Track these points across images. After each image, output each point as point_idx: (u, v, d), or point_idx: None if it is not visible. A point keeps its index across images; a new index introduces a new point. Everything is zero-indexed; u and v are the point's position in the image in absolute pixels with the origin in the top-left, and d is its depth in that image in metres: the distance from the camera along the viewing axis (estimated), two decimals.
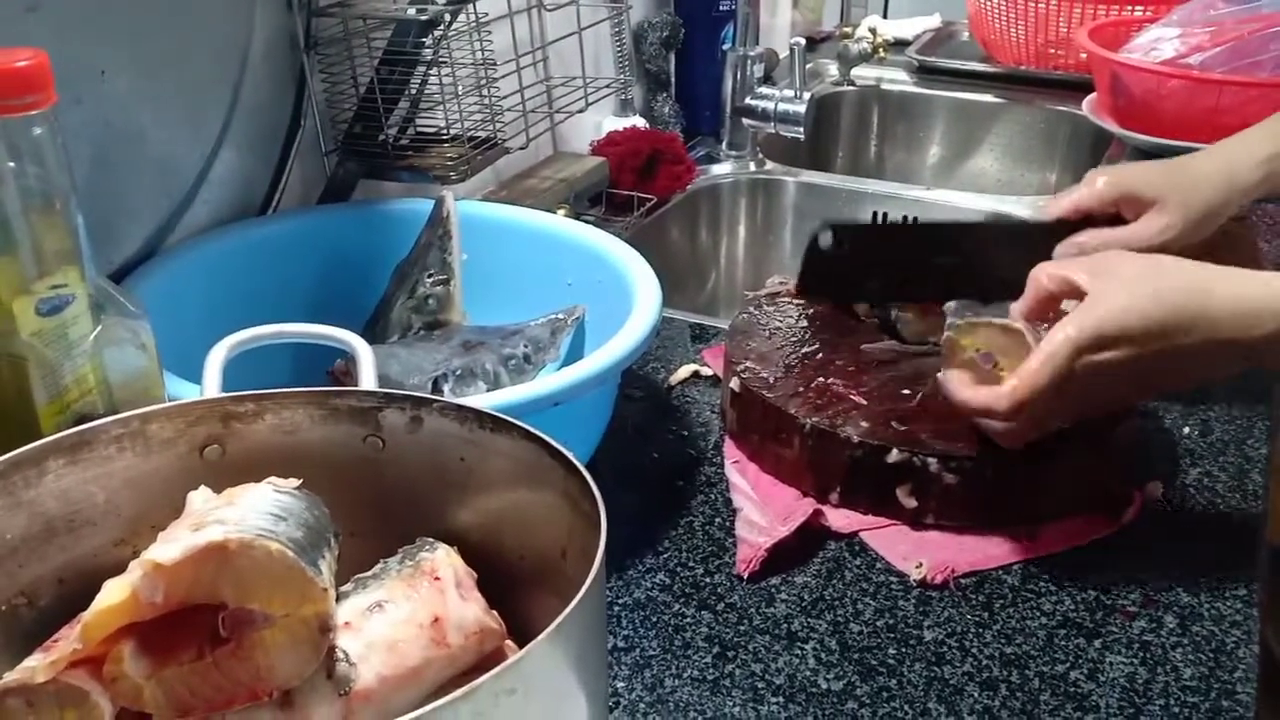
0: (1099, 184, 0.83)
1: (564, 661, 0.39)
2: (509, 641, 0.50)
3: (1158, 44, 1.42)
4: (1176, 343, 0.65)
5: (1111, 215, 0.82)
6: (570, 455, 0.48)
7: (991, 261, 0.84)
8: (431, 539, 0.51)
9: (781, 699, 0.62)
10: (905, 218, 0.92)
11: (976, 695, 0.62)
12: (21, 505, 0.48)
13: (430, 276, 0.84)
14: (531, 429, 0.50)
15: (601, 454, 0.79)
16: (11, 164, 0.52)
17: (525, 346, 0.81)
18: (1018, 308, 0.74)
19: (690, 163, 1.38)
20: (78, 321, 0.56)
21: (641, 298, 0.77)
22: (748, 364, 0.84)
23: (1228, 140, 0.85)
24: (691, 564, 0.73)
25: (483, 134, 0.97)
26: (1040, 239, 0.82)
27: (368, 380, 0.58)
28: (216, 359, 0.57)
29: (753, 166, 1.47)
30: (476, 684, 0.35)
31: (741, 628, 0.67)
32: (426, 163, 0.95)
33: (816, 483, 0.78)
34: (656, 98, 1.50)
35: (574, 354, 0.84)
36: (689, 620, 0.68)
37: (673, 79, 1.52)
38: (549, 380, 0.68)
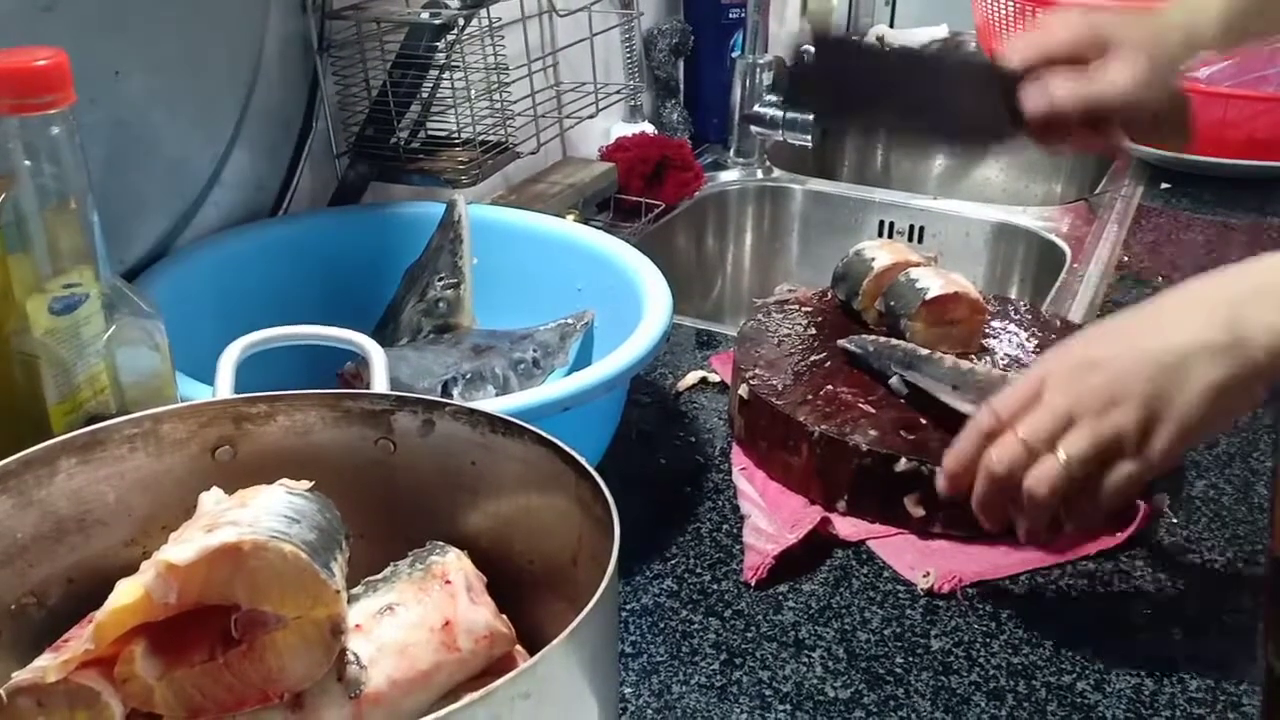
0: (1065, 27, 0.76)
1: (577, 667, 0.39)
2: (518, 647, 0.50)
3: None
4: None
5: (1073, 59, 0.76)
6: (582, 460, 0.48)
7: (955, 97, 0.81)
8: (442, 542, 0.51)
9: (789, 706, 0.62)
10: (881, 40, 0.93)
11: (983, 705, 0.62)
12: (32, 504, 0.48)
13: (440, 280, 0.84)
14: (544, 433, 0.50)
15: (609, 459, 0.79)
16: (28, 163, 0.52)
17: (534, 351, 0.81)
18: None
19: (698, 169, 1.38)
20: (90, 321, 0.56)
21: (652, 304, 0.77)
22: (756, 371, 0.84)
23: None
24: (699, 570, 0.73)
25: (494, 138, 0.97)
26: (1008, 82, 0.77)
27: (380, 383, 0.58)
28: (229, 360, 0.58)
29: (760, 174, 1.47)
30: (492, 688, 0.35)
31: (749, 635, 0.67)
32: (437, 166, 0.95)
33: (824, 491, 0.78)
34: (665, 104, 1.50)
35: (583, 359, 0.84)
36: (696, 627, 0.68)
37: (682, 86, 1.52)
38: (560, 384, 0.68)
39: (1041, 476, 0.59)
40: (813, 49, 0.84)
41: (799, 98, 0.84)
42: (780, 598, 0.70)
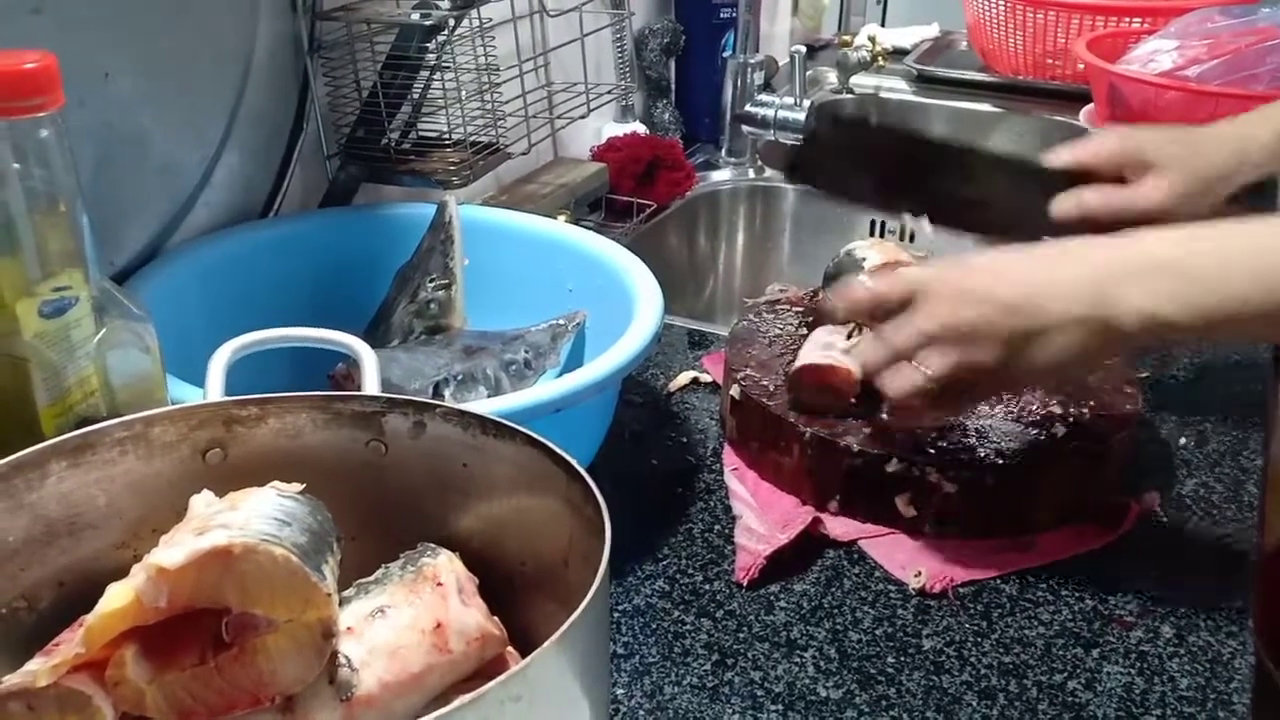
0: (1106, 141, 0.81)
1: (569, 668, 0.39)
2: (510, 648, 0.50)
3: (1155, 56, 1.43)
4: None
5: (1117, 175, 0.79)
6: (573, 461, 0.48)
7: (988, 191, 0.82)
8: (433, 544, 0.51)
9: (781, 707, 0.62)
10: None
11: (975, 704, 0.62)
12: (23, 508, 0.48)
13: (432, 281, 0.84)
14: (535, 435, 0.50)
15: (601, 460, 0.79)
16: (17, 165, 0.52)
17: (526, 352, 0.81)
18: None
19: (690, 169, 1.38)
20: (81, 324, 0.56)
21: (643, 304, 0.77)
22: (748, 371, 0.85)
23: (1249, 113, 0.83)
24: (691, 571, 0.73)
25: (485, 139, 0.97)
26: (1044, 183, 0.80)
27: (371, 385, 0.58)
28: (220, 362, 0.57)
29: (752, 174, 1.48)
30: (483, 690, 0.35)
31: (741, 635, 0.67)
32: (428, 167, 0.95)
33: (816, 491, 0.78)
34: (657, 104, 1.50)
35: (574, 360, 0.84)
36: (688, 627, 0.68)
37: (673, 86, 1.52)
38: (552, 386, 0.68)
39: (900, 381, 0.67)
40: (827, 122, 0.81)
41: (801, 172, 0.80)
42: (772, 598, 0.70)
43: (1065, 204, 0.78)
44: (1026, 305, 0.63)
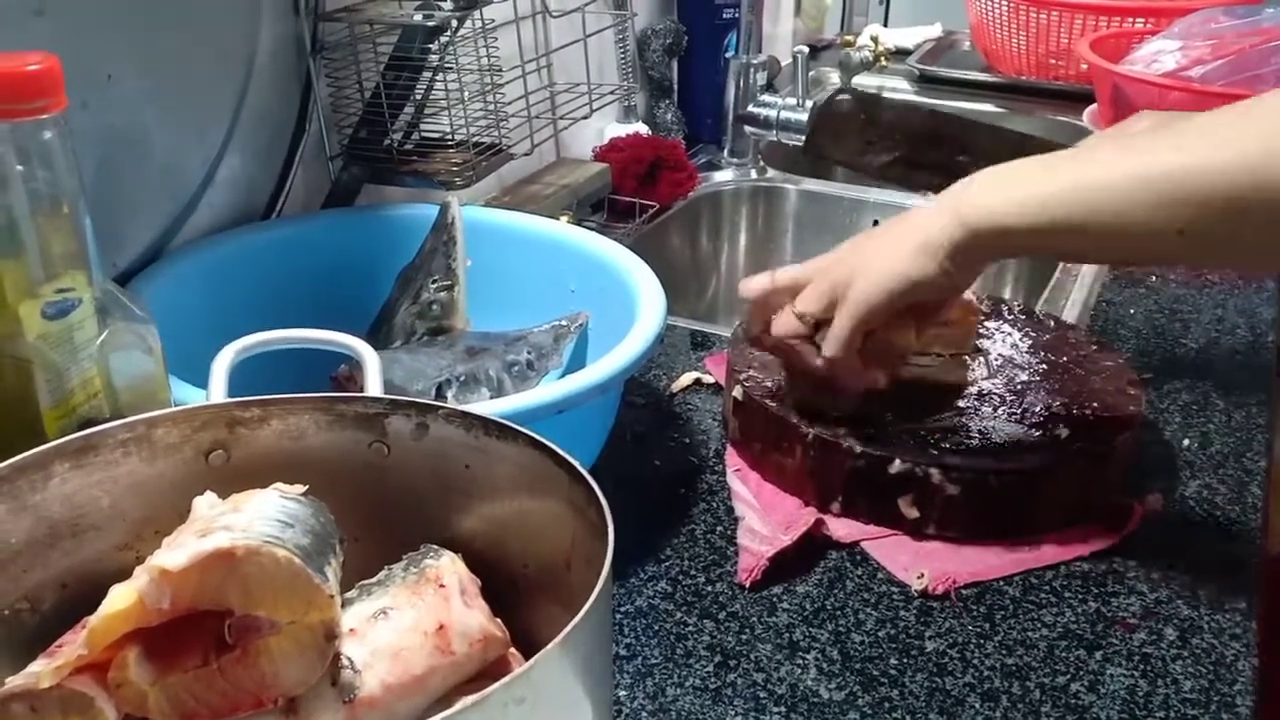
0: (1139, 123, 0.81)
1: (571, 671, 0.39)
2: (513, 650, 0.50)
3: (1159, 56, 1.43)
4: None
5: None
6: (576, 463, 0.48)
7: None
8: (436, 546, 0.51)
9: (783, 709, 0.62)
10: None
11: (978, 706, 0.62)
12: (26, 509, 0.48)
13: (434, 282, 0.84)
14: (538, 436, 0.50)
15: (603, 461, 0.79)
16: (20, 167, 0.52)
17: (529, 353, 0.81)
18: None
19: (692, 170, 1.38)
20: (84, 325, 0.56)
21: (645, 305, 0.77)
22: (750, 372, 0.84)
23: None
24: (693, 572, 0.73)
25: (487, 140, 0.97)
26: None
27: (373, 386, 0.58)
28: (223, 364, 0.57)
29: (754, 174, 1.48)
30: (487, 692, 0.35)
31: (743, 637, 0.67)
32: (431, 168, 0.95)
33: (818, 492, 0.78)
34: (659, 105, 1.51)
35: (576, 361, 0.84)
36: (691, 629, 0.68)
37: (675, 86, 1.52)
38: (554, 387, 0.68)
39: (779, 322, 0.76)
40: (847, 99, 0.83)
41: (820, 149, 0.83)
42: (774, 599, 0.70)
43: None
44: (887, 225, 0.73)
